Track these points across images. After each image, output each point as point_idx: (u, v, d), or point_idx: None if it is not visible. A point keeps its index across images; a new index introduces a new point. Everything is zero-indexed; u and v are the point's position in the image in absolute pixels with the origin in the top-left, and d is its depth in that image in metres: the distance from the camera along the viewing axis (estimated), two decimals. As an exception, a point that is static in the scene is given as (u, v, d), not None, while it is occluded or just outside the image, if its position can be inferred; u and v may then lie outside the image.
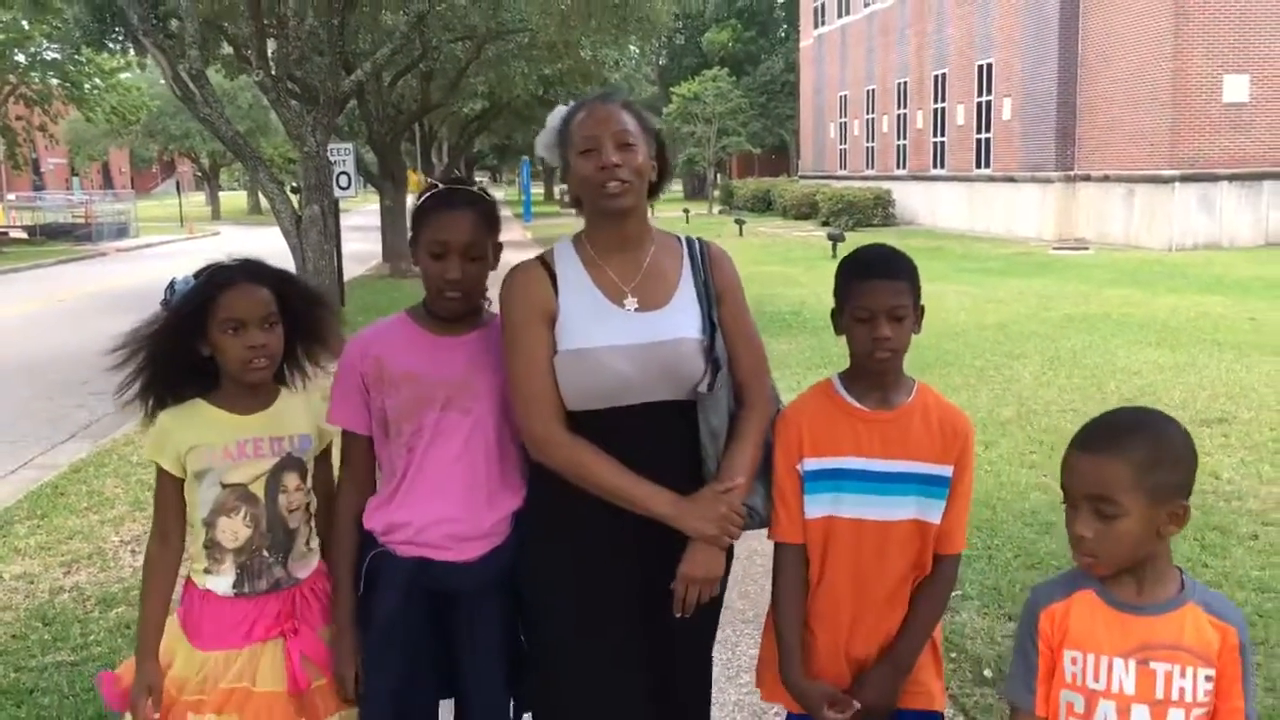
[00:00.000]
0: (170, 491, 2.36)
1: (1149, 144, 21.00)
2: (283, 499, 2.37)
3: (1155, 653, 1.78)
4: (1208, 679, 1.78)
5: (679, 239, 2.40)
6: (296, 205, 10.86)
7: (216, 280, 2.32)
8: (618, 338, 2.21)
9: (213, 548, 2.34)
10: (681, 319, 2.26)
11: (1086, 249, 21.19)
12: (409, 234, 2.45)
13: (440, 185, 2.42)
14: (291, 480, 2.39)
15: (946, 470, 2.22)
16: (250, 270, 2.37)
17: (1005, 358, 9.67)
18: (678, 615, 2.21)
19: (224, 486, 2.32)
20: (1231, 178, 20.42)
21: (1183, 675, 1.77)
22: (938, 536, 2.24)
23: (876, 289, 2.16)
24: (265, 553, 2.36)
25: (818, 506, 2.23)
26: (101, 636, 4.26)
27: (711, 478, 2.25)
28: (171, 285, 2.39)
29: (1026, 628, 1.90)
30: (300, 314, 2.41)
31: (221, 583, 2.34)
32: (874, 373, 2.22)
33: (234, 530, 2.33)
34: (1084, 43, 23.29)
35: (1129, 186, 21.71)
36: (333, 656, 2.37)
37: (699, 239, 2.41)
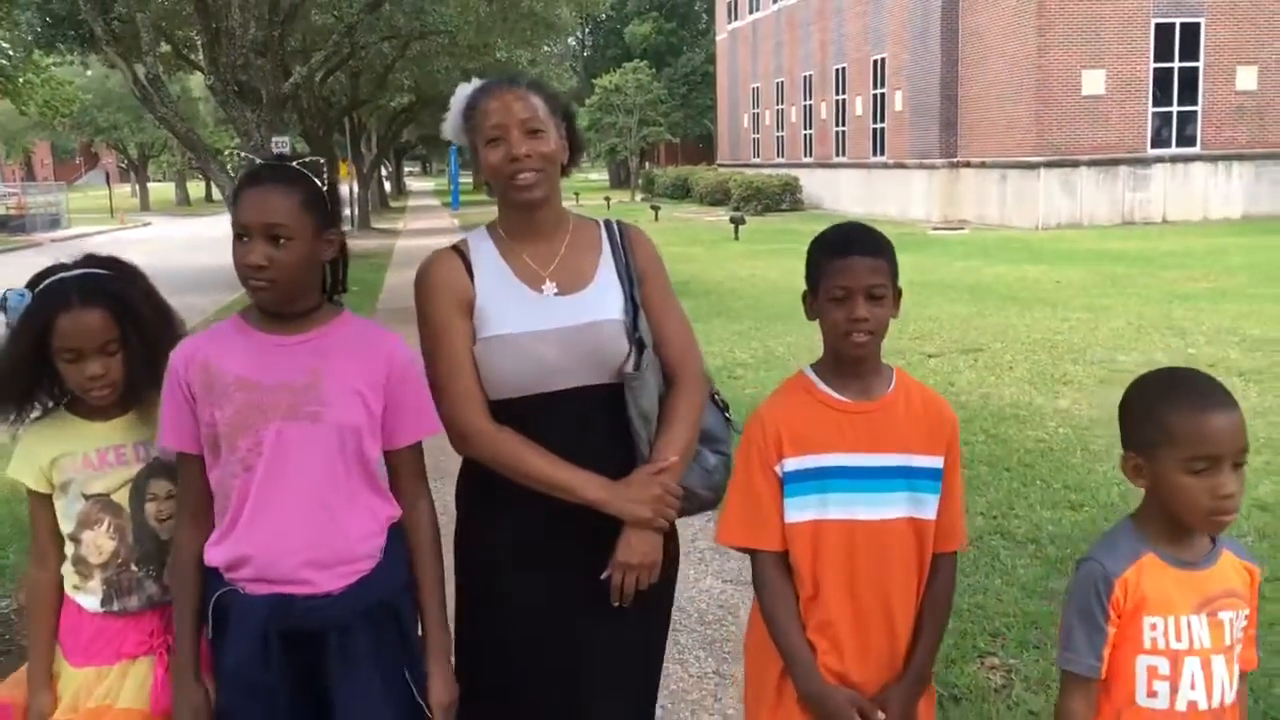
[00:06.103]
0: (40, 510, 2.20)
1: (1018, 133, 23.09)
2: (151, 507, 2.18)
3: (1218, 603, 1.81)
4: (1244, 617, 1.84)
5: (597, 222, 2.35)
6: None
7: (52, 302, 2.10)
8: (539, 323, 2.15)
9: (79, 564, 2.17)
10: (603, 301, 2.20)
11: (962, 229, 23.22)
12: None
13: (257, 161, 2.11)
14: (161, 487, 2.19)
15: (936, 461, 2.09)
16: (86, 288, 2.12)
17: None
18: (616, 605, 2.13)
19: (86, 498, 2.16)
20: (1090, 163, 22.57)
21: (1238, 618, 1.82)
22: (936, 534, 2.10)
23: (854, 266, 2.02)
24: (134, 567, 2.17)
25: (803, 510, 2.07)
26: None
27: (644, 461, 2.18)
28: (4, 300, 2.25)
29: (1096, 596, 1.80)
30: (135, 345, 2.13)
31: (89, 600, 2.17)
32: (850, 359, 2.07)
33: (98, 544, 2.16)
34: (963, 40, 25.34)
35: (1002, 172, 23.85)
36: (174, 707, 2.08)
37: (617, 220, 2.37)
